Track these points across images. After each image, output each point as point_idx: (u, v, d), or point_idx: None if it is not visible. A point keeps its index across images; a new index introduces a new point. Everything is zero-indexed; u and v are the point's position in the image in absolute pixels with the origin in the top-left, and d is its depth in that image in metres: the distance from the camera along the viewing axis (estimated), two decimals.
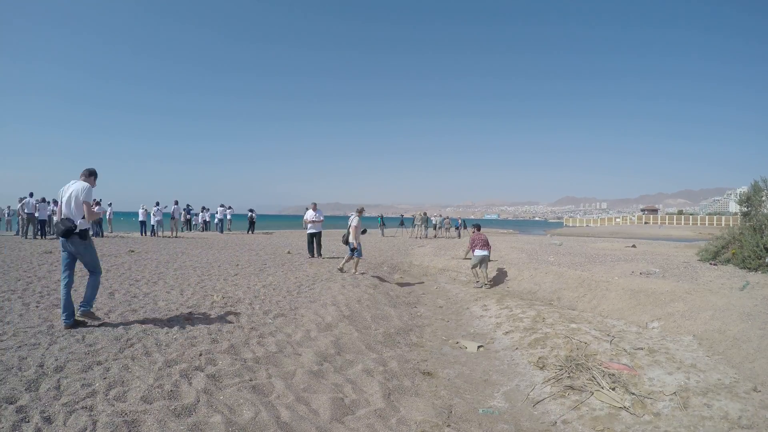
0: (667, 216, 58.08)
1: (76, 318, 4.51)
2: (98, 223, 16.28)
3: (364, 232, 9.89)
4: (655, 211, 72.11)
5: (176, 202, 20.12)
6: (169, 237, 18.33)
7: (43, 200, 15.60)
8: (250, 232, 23.12)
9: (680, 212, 76.28)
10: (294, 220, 47.63)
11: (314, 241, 11.64)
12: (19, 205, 15.31)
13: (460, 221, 27.04)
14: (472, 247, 9.09)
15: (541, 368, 4.32)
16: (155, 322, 4.92)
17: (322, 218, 11.73)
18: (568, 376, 3.97)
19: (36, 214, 15.07)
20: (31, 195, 15.38)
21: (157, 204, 19.22)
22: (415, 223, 24.03)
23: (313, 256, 11.62)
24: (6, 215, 19.82)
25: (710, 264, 8.73)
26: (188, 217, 23.53)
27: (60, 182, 4.55)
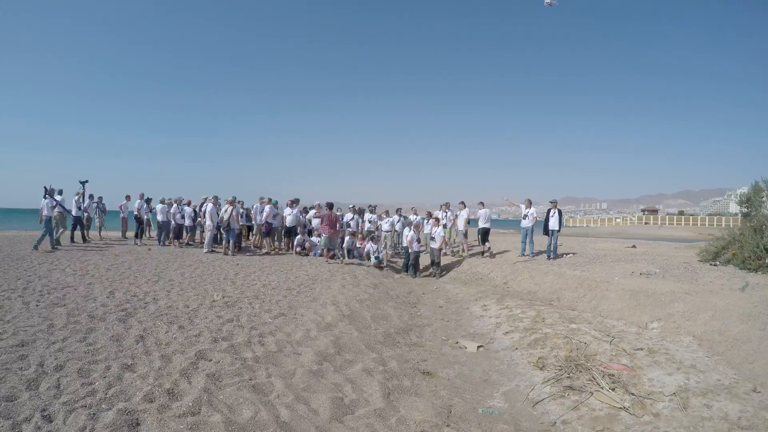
0: (667, 216, 57.97)
1: None
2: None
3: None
4: (655, 211, 72.02)
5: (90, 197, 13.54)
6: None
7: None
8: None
9: (680, 213, 76.28)
10: None
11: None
12: (156, 207, 13.00)
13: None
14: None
15: (541, 368, 4.32)
16: (155, 321, 4.92)
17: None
18: (568, 377, 3.96)
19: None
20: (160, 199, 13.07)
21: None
22: None
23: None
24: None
25: (710, 264, 8.71)
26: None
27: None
